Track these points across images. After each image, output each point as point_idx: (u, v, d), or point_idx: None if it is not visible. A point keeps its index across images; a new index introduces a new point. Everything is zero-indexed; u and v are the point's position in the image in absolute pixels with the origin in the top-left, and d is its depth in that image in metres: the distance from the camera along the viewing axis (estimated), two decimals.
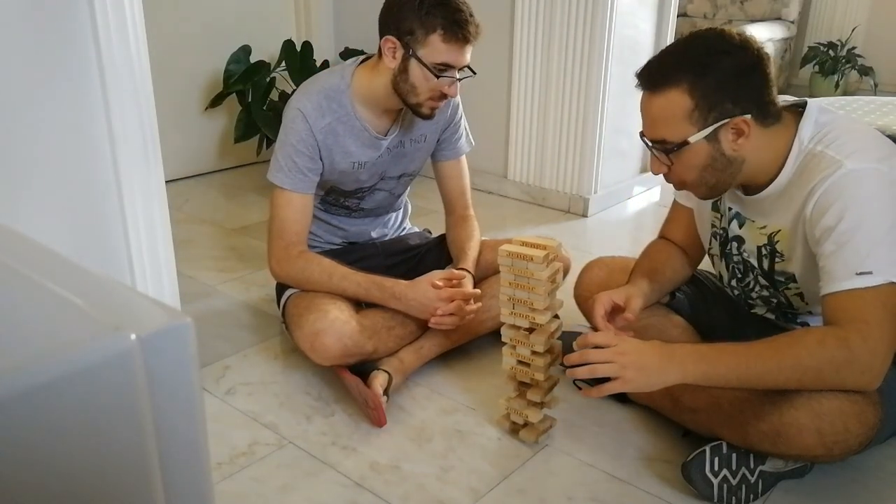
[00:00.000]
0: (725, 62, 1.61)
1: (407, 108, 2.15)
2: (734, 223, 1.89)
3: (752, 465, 1.71)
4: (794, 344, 1.56)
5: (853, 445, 1.57)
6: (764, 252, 1.84)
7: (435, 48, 2.02)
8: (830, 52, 6.65)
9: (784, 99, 1.77)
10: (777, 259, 1.82)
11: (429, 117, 2.16)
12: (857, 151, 1.59)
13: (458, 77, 2.09)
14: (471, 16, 2.03)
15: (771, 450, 1.63)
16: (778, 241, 1.79)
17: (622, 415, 2.05)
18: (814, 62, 6.69)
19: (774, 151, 1.70)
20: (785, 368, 1.54)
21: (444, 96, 2.11)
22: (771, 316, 1.98)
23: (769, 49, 6.32)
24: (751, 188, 1.80)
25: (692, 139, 1.64)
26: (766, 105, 1.66)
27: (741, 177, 1.73)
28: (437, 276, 2.11)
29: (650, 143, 1.73)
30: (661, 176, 1.77)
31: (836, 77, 6.64)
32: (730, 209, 1.90)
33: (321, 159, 2.17)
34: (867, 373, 1.51)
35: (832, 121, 1.68)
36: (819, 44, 6.72)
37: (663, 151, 1.70)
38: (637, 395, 2.03)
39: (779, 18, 6.62)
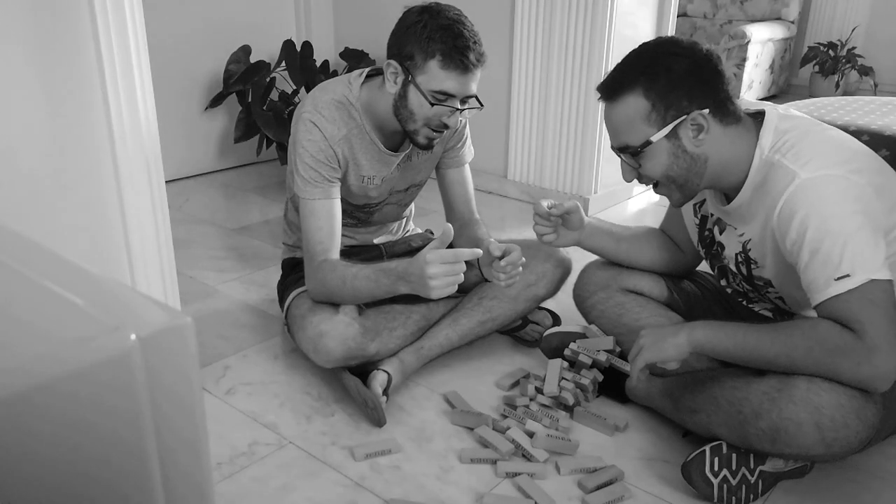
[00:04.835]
0: (675, 62, 1.68)
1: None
2: (716, 228, 1.93)
3: (751, 466, 1.71)
4: (790, 325, 1.65)
5: (853, 443, 1.57)
6: (740, 259, 1.87)
7: (433, 75, 1.96)
8: (830, 52, 6.66)
9: (746, 105, 1.82)
10: (753, 266, 1.85)
11: (425, 147, 2.12)
12: (812, 160, 1.62)
13: (460, 107, 2.02)
14: (474, 43, 1.96)
15: (770, 449, 1.64)
16: (750, 250, 1.83)
17: (623, 415, 2.05)
18: (814, 62, 6.70)
19: (737, 155, 1.73)
20: (777, 343, 1.62)
21: (444, 126, 2.05)
22: (769, 314, 1.99)
23: (769, 49, 6.32)
24: (729, 197, 1.83)
25: (654, 139, 1.70)
26: (723, 101, 1.71)
27: (708, 178, 1.77)
28: (429, 248, 1.87)
29: (617, 152, 1.79)
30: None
31: (836, 77, 6.66)
32: (712, 215, 1.93)
33: (340, 166, 2.12)
34: (865, 365, 1.52)
35: (792, 127, 1.71)
36: (819, 44, 6.73)
37: (630, 155, 1.75)
38: (637, 395, 2.04)
39: (779, 18, 6.63)
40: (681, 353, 1.72)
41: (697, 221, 2.00)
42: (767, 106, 1.78)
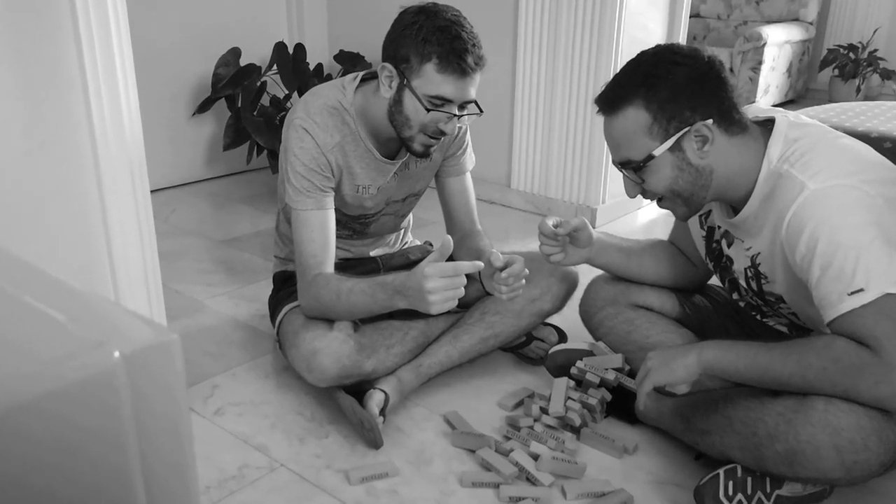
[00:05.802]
0: (676, 72, 1.69)
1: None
2: (724, 241, 1.94)
3: (768, 490, 1.71)
4: (803, 344, 1.65)
5: (874, 466, 1.57)
6: (749, 274, 1.88)
7: (429, 79, 1.96)
8: (851, 54, 6.67)
9: (755, 112, 1.83)
10: (763, 281, 1.86)
11: (421, 155, 2.12)
12: (822, 170, 1.62)
13: (457, 113, 2.02)
14: (473, 46, 1.95)
15: (787, 472, 1.63)
16: (760, 264, 1.83)
17: (632, 437, 2.05)
18: (833, 65, 6.70)
19: (744, 165, 1.75)
20: (790, 363, 1.61)
21: (441, 133, 2.05)
22: (784, 329, 1.99)
23: (787, 51, 6.33)
24: (736, 209, 1.84)
25: (656, 152, 1.71)
26: (728, 111, 1.72)
27: (714, 191, 1.78)
28: (428, 261, 1.87)
29: (619, 167, 1.81)
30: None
31: (856, 81, 6.66)
32: (719, 227, 1.94)
33: (333, 175, 2.13)
34: (885, 384, 1.52)
35: (802, 136, 1.71)
36: (839, 46, 6.73)
37: (632, 170, 1.77)
38: (647, 415, 2.04)
39: (796, 19, 6.64)
40: (691, 375, 1.72)
41: (704, 233, 2.01)
42: (778, 113, 1.79)
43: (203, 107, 4.02)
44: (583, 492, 1.83)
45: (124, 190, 1.88)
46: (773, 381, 1.65)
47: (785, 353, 1.64)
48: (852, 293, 1.54)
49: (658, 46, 1.78)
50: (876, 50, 6.68)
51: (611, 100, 1.75)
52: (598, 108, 1.79)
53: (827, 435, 1.55)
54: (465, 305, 2.20)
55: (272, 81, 4.06)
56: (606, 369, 2.10)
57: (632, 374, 2.11)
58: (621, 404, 2.11)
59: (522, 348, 2.40)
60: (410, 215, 2.57)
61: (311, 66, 4.06)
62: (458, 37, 1.93)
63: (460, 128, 2.26)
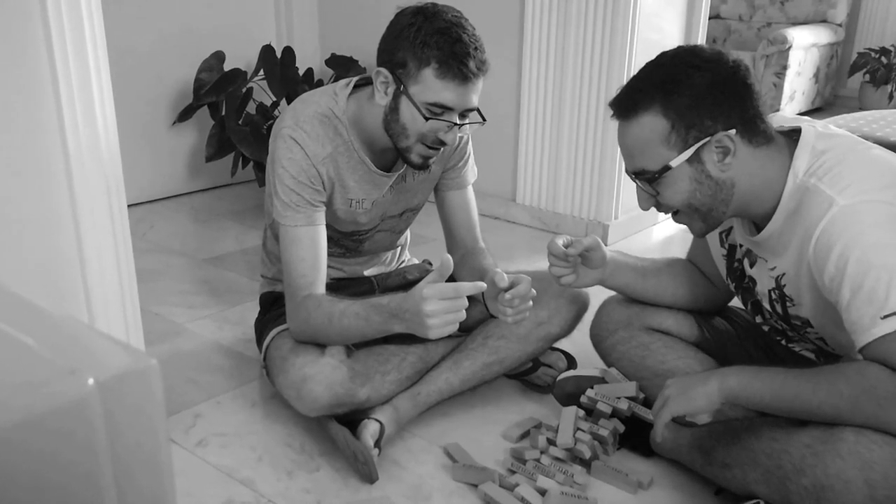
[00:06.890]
0: (697, 77, 1.68)
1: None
2: (746, 260, 1.94)
3: None
4: (833, 371, 1.64)
5: None
6: (774, 296, 1.87)
7: (428, 85, 1.96)
8: (883, 58, 6.67)
9: (780, 121, 1.83)
10: (788, 304, 1.85)
11: (419, 167, 2.12)
12: (852, 184, 1.61)
13: (458, 122, 2.01)
14: (475, 49, 1.95)
15: None
16: (785, 285, 1.82)
17: (647, 470, 2.05)
18: (864, 70, 6.71)
19: (768, 179, 1.74)
20: (820, 391, 1.60)
21: (440, 143, 2.05)
22: (811, 355, 1.99)
23: (814, 55, 6.34)
24: (759, 226, 1.83)
25: (673, 163, 1.71)
26: (752, 120, 1.71)
27: (736, 206, 1.77)
28: (426, 281, 1.86)
29: (633, 177, 1.80)
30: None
31: (889, 87, 6.66)
32: (741, 245, 1.94)
33: (324, 188, 2.13)
34: None
35: (831, 147, 1.71)
36: (870, 49, 6.74)
37: (647, 181, 1.76)
38: (663, 447, 2.04)
39: (824, 21, 6.65)
40: (711, 405, 1.72)
41: (725, 252, 2.01)
42: (805, 123, 1.78)
43: (184, 115, 4.02)
44: None
45: (99, 204, 1.88)
46: (800, 410, 1.64)
47: (813, 380, 1.63)
48: (885, 317, 1.53)
49: (679, 48, 1.77)
50: None
51: (626, 104, 1.75)
52: (612, 113, 1.79)
53: (858, 469, 1.55)
54: (466, 329, 2.20)
55: (259, 87, 4.07)
56: (619, 398, 2.10)
57: (646, 403, 2.11)
58: (635, 435, 2.11)
59: (528, 375, 2.40)
60: (408, 232, 2.57)
61: (301, 72, 4.06)
62: (459, 40, 1.93)
63: (461, 138, 2.26)
